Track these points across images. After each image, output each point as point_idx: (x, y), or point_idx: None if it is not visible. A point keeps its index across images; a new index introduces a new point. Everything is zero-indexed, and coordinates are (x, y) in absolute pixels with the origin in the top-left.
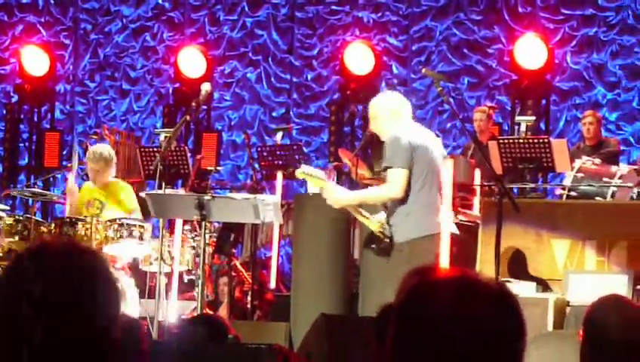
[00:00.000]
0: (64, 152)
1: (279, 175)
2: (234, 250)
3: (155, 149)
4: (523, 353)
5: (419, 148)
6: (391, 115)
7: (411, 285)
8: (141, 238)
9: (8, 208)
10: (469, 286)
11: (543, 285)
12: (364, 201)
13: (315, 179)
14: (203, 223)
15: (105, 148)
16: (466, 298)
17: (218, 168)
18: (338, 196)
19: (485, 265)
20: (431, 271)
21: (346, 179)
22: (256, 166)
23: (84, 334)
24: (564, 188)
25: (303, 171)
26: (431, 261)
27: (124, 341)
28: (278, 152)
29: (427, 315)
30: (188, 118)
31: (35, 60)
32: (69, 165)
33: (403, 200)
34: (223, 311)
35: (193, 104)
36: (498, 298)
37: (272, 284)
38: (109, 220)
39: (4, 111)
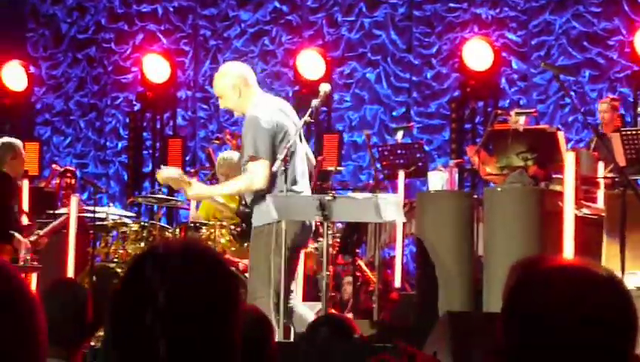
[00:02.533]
0: (187, 158)
1: (401, 174)
2: (358, 250)
3: None
4: (636, 343)
5: (278, 130)
6: (236, 89)
7: (522, 276)
8: None
9: (134, 215)
10: (581, 274)
11: None
12: (228, 194)
13: (175, 181)
14: (325, 224)
15: (235, 154)
16: (578, 285)
17: (339, 168)
18: (195, 193)
19: (610, 258)
20: (538, 260)
21: (468, 175)
22: (378, 165)
23: (209, 340)
24: None
25: (162, 177)
26: (294, 243)
27: (252, 336)
28: (399, 151)
29: (540, 305)
30: (308, 119)
31: (156, 68)
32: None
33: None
34: (347, 312)
35: (313, 105)
36: (609, 285)
37: (397, 283)
38: (232, 223)
39: (128, 120)
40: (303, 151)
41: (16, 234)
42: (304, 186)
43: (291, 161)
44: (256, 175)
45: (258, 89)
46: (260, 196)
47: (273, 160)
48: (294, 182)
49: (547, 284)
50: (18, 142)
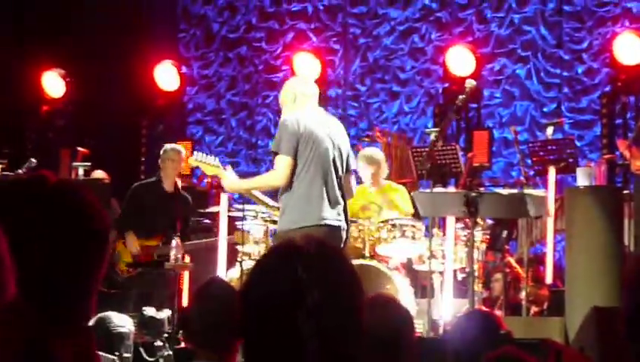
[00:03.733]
0: None
1: (552, 170)
2: (507, 247)
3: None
4: None
5: (306, 135)
6: (291, 99)
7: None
8: (414, 238)
9: None
10: None
11: None
12: (252, 188)
13: (208, 166)
14: (472, 220)
15: (375, 151)
16: None
17: (488, 164)
18: (229, 182)
19: None
20: None
21: (620, 170)
22: (528, 162)
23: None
24: None
25: (195, 159)
26: None
27: (391, 328)
28: (549, 147)
29: None
30: (453, 115)
31: (306, 66)
32: None
33: (287, 189)
34: (497, 308)
35: (457, 102)
36: None
37: (548, 279)
38: (381, 221)
39: (279, 118)
40: (340, 169)
41: (129, 235)
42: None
43: (313, 168)
44: (276, 171)
45: (309, 104)
46: (285, 199)
47: (295, 160)
48: (310, 196)
49: None
50: (169, 147)
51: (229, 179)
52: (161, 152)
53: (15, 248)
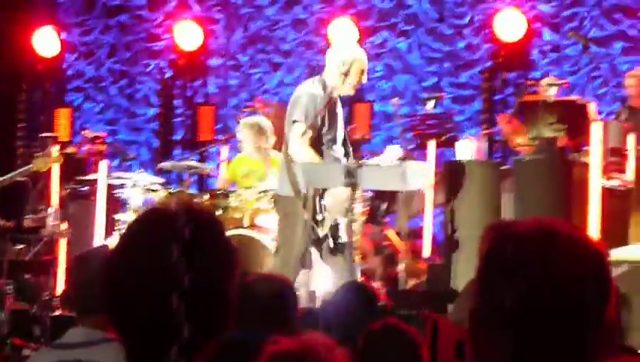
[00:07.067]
0: (218, 126)
1: (432, 144)
2: (386, 220)
3: None
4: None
5: None
6: None
7: (496, 237)
8: None
9: (163, 181)
10: (552, 232)
11: None
12: None
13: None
14: (353, 192)
15: (262, 119)
16: (549, 243)
17: (367, 137)
18: None
19: (638, 229)
20: (510, 223)
21: (498, 146)
22: (408, 135)
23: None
24: None
25: None
26: None
27: (276, 301)
28: (429, 121)
29: (515, 262)
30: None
31: (188, 35)
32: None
33: None
34: (374, 281)
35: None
36: (582, 243)
37: (426, 253)
38: (260, 191)
39: (159, 87)
40: None
41: None
42: None
43: None
44: None
45: None
46: None
47: None
48: None
49: (521, 242)
50: None
51: None
52: None
53: None
